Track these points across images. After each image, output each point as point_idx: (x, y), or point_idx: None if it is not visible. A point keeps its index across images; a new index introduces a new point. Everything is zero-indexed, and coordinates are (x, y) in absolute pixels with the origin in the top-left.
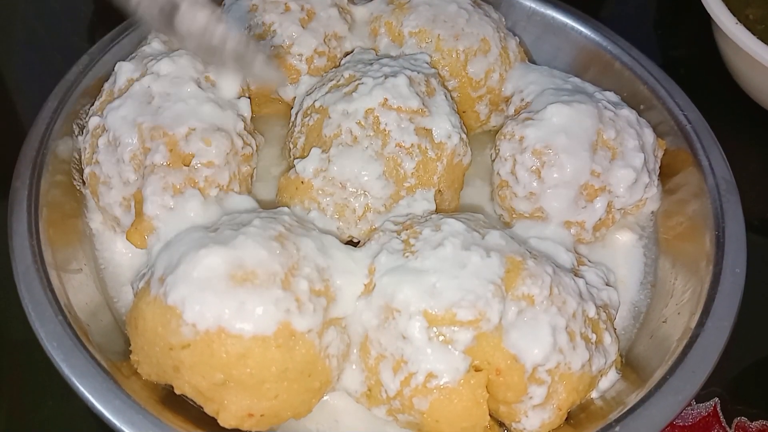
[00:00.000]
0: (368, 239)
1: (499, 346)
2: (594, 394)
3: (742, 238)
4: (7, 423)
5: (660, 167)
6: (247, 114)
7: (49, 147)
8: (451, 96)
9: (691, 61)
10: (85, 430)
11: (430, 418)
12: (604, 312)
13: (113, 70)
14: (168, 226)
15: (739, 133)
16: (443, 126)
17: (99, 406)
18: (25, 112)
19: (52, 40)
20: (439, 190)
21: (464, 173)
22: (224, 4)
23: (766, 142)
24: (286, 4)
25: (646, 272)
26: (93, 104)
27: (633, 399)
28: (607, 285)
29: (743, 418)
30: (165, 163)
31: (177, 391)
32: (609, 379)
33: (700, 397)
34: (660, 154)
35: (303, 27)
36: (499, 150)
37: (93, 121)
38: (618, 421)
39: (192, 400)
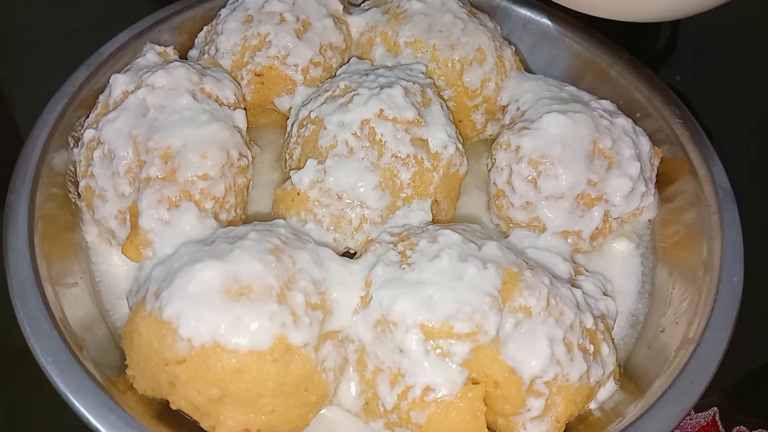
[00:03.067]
0: (365, 251)
1: (497, 359)
2: (592, 405)
3: (739, 247)
4: None
5: (656, 175)
6: (243, 125)
7: (45, 160)
8: (446, 106)
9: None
10: None
11: None
12: (602, 322)
13: (108, 82)
14: (163, 239)
15: (738, 139)
16: (439, 136)
17: (95, 422)
18: (20, 125)
19: (48, 52)
20: (436, 201)
21: (461, 183)
22: (220, 15)
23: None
24: (281, 14)
25: (643, 281)
26: (88, 117)
27: (632, 410)
28: (604, 295)
29: (742, 428)
30: (160, 176)
31: (173, 406)
32: (607, 390)
33: (699, 407)
34: (656, 162)
35: (298, 37)
36: (495, 159)
37: (88, 134)
38: None
39: (188, 415)
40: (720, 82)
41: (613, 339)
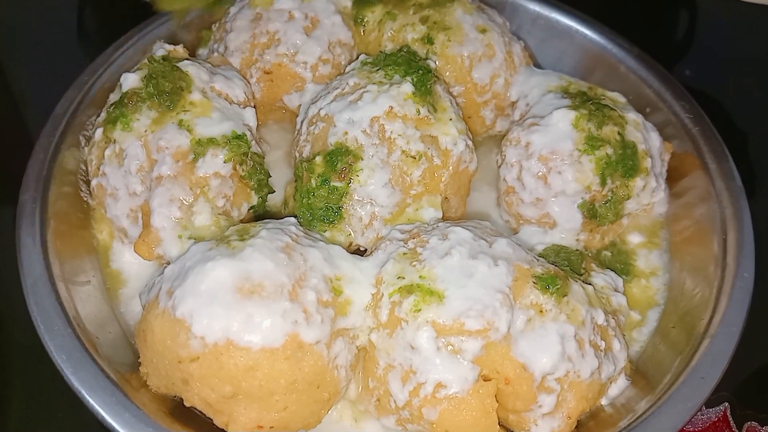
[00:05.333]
0: (375, 248)
1: (508, 356)
2: (603, 402)
3: (750, 243)
4: None
5: (667, 171)
6: (253, 123)
7: (56, 159)
8: (456, 102)
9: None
10: None
11: (440, 428)
12: (613, 318)
13: (119, 81)
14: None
15: (745, 135)
16: (449, 133)
17: (109, 419)
18: (32, 124)
19: (59, 52)
20: (446, 198)
21: (470, 180)
22: (229, 13)
23: None
24: (290, 12)
25: None
26: (99, 115)
27: (643, 406)
28: (615, 291)
29: (754, 423)
30: (172, 175)
31: (186, 404)
32: (618, 386)
33: (710, 402)
34: (667, 157)
35: (307, 35)
36: (505, 156)
37: (99, 133)
38: (628, 428)
39: (201, 412)
40: (729, 78)
41: (624, 335)
